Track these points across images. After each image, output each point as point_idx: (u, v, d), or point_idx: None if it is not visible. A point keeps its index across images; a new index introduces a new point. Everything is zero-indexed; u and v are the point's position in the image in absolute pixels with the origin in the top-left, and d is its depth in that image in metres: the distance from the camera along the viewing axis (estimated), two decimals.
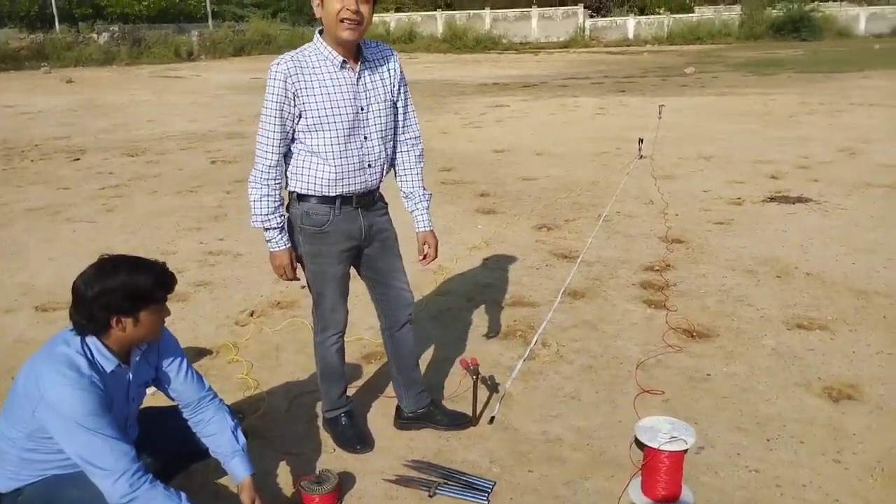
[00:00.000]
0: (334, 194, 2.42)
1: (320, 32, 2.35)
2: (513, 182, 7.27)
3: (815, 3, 39.18)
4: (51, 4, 38.94)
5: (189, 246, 5.36)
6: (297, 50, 2.35)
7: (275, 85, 2.28)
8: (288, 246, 2.46)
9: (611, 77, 19.59)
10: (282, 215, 2.45)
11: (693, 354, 3.42)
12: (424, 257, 2.69)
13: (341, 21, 2.21)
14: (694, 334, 3.64)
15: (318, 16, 2.25)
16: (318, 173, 2.39)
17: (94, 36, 30.26)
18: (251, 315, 4.05)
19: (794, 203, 6.02)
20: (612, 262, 4.76)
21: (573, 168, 7.88)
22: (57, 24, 37.18)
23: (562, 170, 7.81)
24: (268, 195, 2.39)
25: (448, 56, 31.99)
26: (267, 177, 2.38)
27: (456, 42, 37.00)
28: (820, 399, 2.98)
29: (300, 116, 2.33)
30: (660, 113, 10.77)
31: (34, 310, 4.20)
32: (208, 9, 45.00)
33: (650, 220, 5.73)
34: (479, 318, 3.93)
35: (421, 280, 4.54)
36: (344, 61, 2.34)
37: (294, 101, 2.30)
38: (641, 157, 8.24)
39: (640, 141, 8.24)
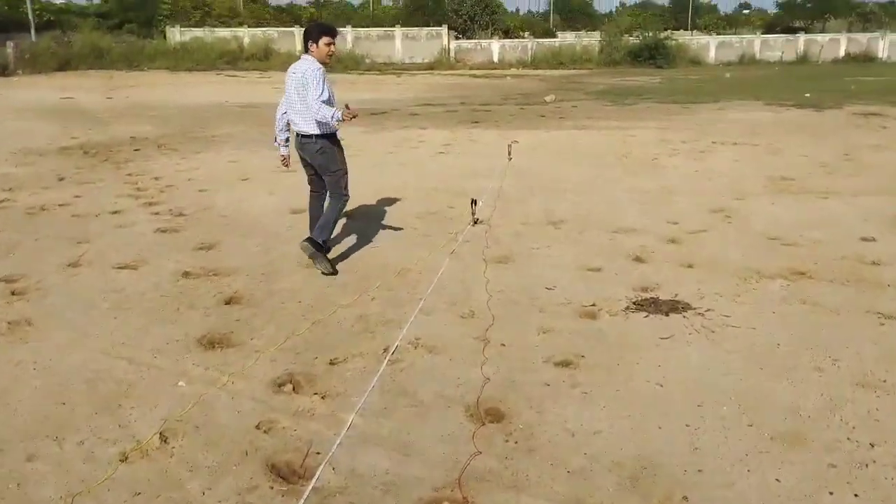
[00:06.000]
0: None
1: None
2: (287, 274, 5.08)
3: (669, 31, 40.38)
4: None
5: None
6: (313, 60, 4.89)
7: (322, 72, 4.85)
8: None
9: (467, 104, 18.01)
10: None
11: None
12: None
13: (329, 56, 4.96)
14: None
15: (312, 52, 4.88)
16: None
17: None
18: None
19: (667, 314, 4.22)
20: (372, 490, 2.68)
21: (385, 242, 5.84)
22: None
23: (369, 244, 5.75)
24: None
25: None
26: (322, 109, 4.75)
27: None
28: None
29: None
30: (509, 153, 9.08)
31: None
32: (30, 16, 39.81)
33: (461, 357, 3.72)
34: None
35: None
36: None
37: None
38: (476, 221, 6.35)
39: (474, 203, 6.33)
